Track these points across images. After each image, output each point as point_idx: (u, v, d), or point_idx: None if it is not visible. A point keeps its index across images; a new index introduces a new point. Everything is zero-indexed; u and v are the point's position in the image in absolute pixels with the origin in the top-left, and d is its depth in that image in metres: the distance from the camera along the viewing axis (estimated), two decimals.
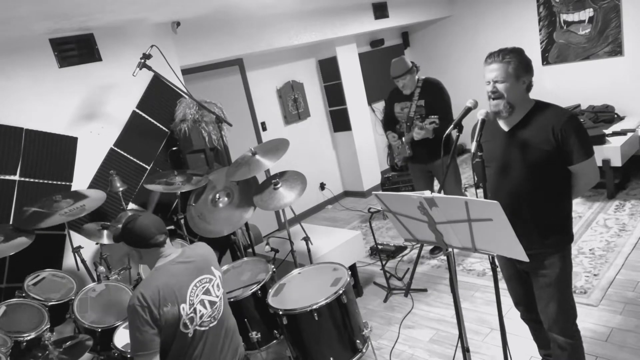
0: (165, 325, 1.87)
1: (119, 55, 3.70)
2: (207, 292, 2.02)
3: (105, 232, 3.24)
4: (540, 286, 2.16)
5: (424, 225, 1.91)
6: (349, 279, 2.70)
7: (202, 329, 1.98)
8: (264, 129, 5.68)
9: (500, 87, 1.99)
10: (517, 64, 1.98)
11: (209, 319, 2.00)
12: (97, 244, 3.43)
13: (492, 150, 2.10)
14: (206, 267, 2.07)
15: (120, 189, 3.40)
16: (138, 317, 1.84)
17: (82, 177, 3.58)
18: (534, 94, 2.10)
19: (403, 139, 4.05)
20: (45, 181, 3.41)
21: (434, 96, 3.90)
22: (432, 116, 3.75)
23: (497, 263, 2.07)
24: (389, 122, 4.20)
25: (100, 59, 3.62)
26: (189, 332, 1.94)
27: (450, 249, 1.97)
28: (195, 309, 1.95)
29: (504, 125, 2.11)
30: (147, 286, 1.90)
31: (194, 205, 3.51)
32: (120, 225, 2.06)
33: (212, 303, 2.02)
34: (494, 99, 2.01)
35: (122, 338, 2.54)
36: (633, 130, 4.87)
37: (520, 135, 2.05)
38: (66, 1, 2.61)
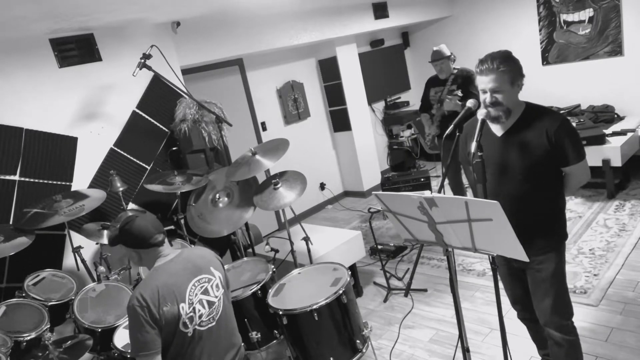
0: (165, 324, 1.87)
1: (119, 55, 3.70)
2: (205, 292, 2.01)
3: (105, 232, 3.24)
4: (536, 282, 2.18)
5: (424, 225, 1.91)
6: (349, 279, 2.71)
7: (202, 328, 1.98)
8: (264, 129, 5.68)
9: (499, 96, 2.00)
10: (511, 71, 1.99)
11: (207, 319, 2.00)
12: (97, 244, 3.43)
13: (486, 155, 2.10)
14: (205, 267, 2.07)
15: (121, 189, 3.39)
16: (138, 318, 1.84)
17: (82, 177, 3.58)
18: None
19: (434, 119, 4.57)
20: (45, 181, 3.41)
21: (466, 82, 4.32)
22: (456, 90, 4.26)
23: (497, 263, 2.08)
24: (425, 107, 4.70)
25: (100, 59, 3.62)
26: (188, 332, 1.93)
27: (450, 249, 1.97)
28: (194, 309, 1.95)
29: (497, 130, 2.13)
30: (146, 286, 1.89)
31: (194, 205, 3.51)
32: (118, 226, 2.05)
33: (210, 303, 2.02)
34: (494, 107, 2.02)
35: (122, 338, 2.54)
36: (633, 130, 4.87)
37: (514, 139, 2.07)
38: (66, 1, 2.61)
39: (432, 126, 4.62)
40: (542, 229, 2.10)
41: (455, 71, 4.42)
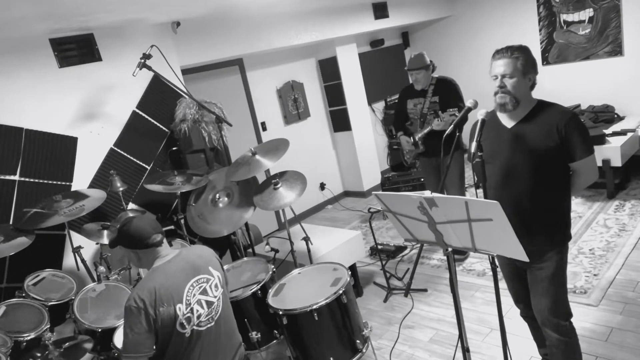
0: (161, 325, 1.87)
1: (119, 55, 3.70)
2: (204, 292, 2.01)
3: (105, 232, 3.24)
4: (535, 280, 2.18)
5: (424, 225, 1.91)
6: (349, 279, 2.70)
7: (200, 329, 1.98)
8: (264, 129, 5.68)
9: (508, 82, 2.02)
10: (525, 60, 2.03)
11: (206, 319, 2.00)
12: (97, 244, 3.43)
13: (495, 147, 2.12)
14: (204, 267, 2.07)
15: (121, 189, 3.40)
16: (133, 319, 1.84)
17: (82, 177, 3.58)
18: (534, 95, 2.12)
19: (415, 135, 4.08)
20: (45, 181, 3.41)
21: (448, 93, 3.94)
22: (451, 109, 3.75)
23: (497, 263, 2.08)
24: (401, 120, 4.25)
25: (100, 59, 3.62)
26: (186, 332, 1.93)
27: (450, 249, 1.97)
28: (192, 309, 1.95)
29: (507, 122, 2.13)
30: (144, 287, 1.90)
31: (194, 205, 3.51)
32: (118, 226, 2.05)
33: (209, 303, 2.02)
34: (501, 93, 2.04)
35: (122, 338, 2.54)
36: (633, 130, 4.87)
37: (523, 132, 2.07)
38: (66, 1, 2.61)
39: (413, 146, 4.10)
40: (546, 227, 2.10)
41: (433, 81, 3.98)
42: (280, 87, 5.84)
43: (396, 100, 6.97)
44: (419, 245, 4.34)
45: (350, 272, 2.79)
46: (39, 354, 2.36)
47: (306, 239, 3.28)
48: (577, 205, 4.70)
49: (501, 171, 2.12)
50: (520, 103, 2.05)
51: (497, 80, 2.05)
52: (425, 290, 3.80)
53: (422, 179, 5.37)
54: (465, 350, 2.09)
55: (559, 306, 2.17)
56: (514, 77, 2.02)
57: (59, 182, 3.47)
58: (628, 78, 5.56)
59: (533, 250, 2.06)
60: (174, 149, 4.05)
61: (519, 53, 2.03)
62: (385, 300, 3.78)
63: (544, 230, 2.10)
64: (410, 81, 4.12)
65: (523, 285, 2.31)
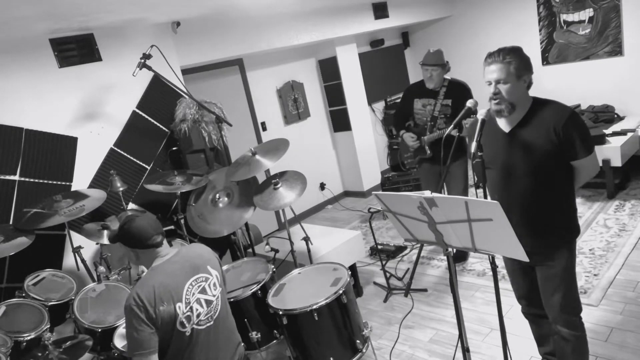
0: (161, 324, 1.87)
1: (119, 55, 3.70)
2: (203, 291, 2.02)
3: (105, 232, 3.24)
4: (546, 277, 2.18)
5: (424, 225, 1.91)
6: (349, 279, 2.70)
7: (200, 327, 1.98)
8: (264, 129, 5.68)
9: (502, 87, 1.99)
10: (518, 63, 1.98)
11: (206, 318, 2.01)
12: (97, 244, 3.43)
13: (494, 152, 2.11)
14: (202, 266, 2.07)
15: (121, 189, 3.39)
16: (134, 317, 1.85)
17: (82, 177, 3.58)
18: (533, 93, 2.10)
19: (424, 138, 3.95)
20: (45, 181, 3.41)
21: (461, 97, 3.74)
22: (474, 116, 3.64)
23: (497, 263, 2.08)
24: (402, 120, 4.11)
25: (100, 59, 3.62)
26: (186, 331, 1.94)
27: (450, 249, 1.97)
28: (191, 308, 1.96)
29: (504, 126, 2.12)
30: (143, 286, 1.90)
31: (194, 205, 3.51)
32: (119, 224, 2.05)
33: (208, 302, 2.02)
34: (495, 99, 2.01)
35: (122, 338, 2.54)
36: (633, 130, 4.87)
37: (521, 135, 2.05)
38: (66, 1, 2.61)
39: (421, 147, 3.97)
40: (554, 225, 2.10)
41: (445, 83, 3.85)
42: (280, 87, 5.84)
43: (397, 100, 7.04)
44: (419, 245, 4.34)
45: (350, 272, 2.79)
46: (39, 354, 2.37)
47: (306, 239, 3.28)
48: (578, 206, 4.68)
49: (502, 175, 2.11)
50: (516, 107, 2.02)
51: (491, 86, 2.01)
52: (425, 290, 3.80)
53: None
54: (465, 350, 2.10)
55: (571, 301, 2.18)
56: (508, 83, 1.98)
57: (59, 182, 3.47)
58: (628, 78, 5.56)
59: (542, 249, 2.07)
60: (174, 149, 4.05)
61: (511, 57, 1.97)
62: (385, 300, 3.78)
63: (551, 229, 2.10)
64: (422, 77, 3.91)
65: (527, 281, 2.31)
